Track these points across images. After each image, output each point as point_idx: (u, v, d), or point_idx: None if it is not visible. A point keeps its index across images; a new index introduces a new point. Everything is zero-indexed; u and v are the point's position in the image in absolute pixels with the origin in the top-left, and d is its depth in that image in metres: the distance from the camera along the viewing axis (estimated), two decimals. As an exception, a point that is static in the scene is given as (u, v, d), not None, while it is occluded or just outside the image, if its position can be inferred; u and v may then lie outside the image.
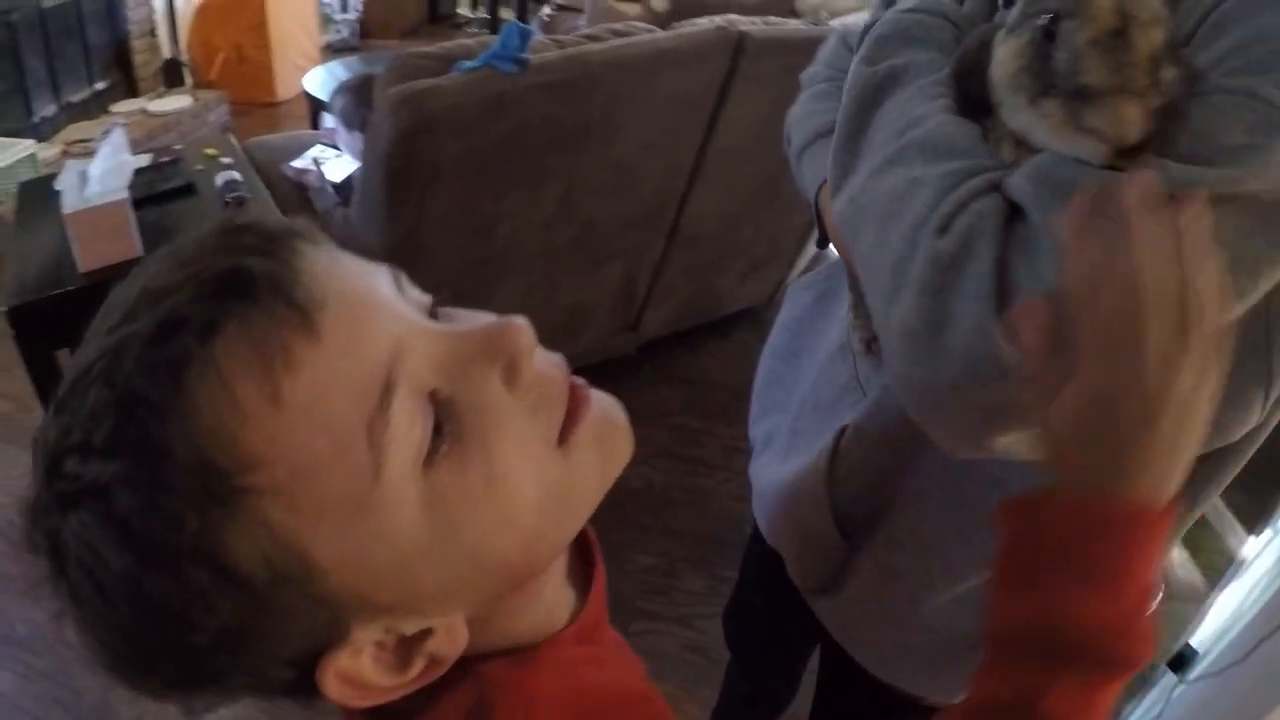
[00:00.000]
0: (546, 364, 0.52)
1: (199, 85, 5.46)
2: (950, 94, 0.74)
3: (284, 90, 5.85)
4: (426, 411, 0.45)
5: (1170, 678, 1.98)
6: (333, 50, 6.71)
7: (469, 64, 2.19)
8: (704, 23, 2.54)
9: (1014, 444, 0.68)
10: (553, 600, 0.60)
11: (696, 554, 2.63)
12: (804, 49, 0.87)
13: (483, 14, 7.78)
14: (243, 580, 0.42)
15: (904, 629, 1.03)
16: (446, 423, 0.46)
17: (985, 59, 0.71)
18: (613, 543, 2.64)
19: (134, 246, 2.33)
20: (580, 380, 0.54)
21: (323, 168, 2.97)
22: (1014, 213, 0.65)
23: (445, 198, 2.32)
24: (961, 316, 0.64)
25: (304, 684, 0.47)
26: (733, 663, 1.67)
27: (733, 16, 2.58)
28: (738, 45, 2.52)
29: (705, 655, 2.31)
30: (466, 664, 0.52)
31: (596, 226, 2.72)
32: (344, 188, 2.84)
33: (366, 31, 7.14)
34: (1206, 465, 0.81)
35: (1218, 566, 2.59)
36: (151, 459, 0.40)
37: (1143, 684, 2.20)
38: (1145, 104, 0.61)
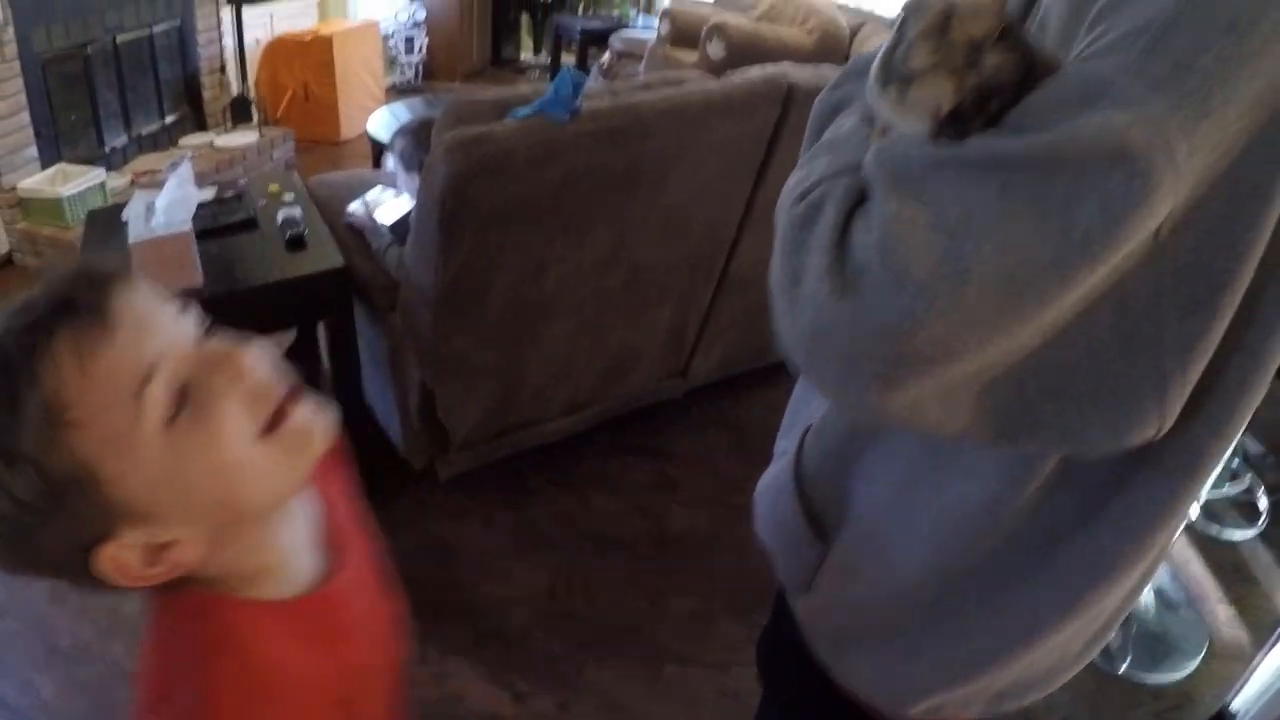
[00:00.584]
0: (271, 377, 0.76)
1: (266, 122, 5.60)
2: None
3: (348, 129, 6.00)
4: (173, 392, 0.69)
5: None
6: (397, 91, 6.86)
7: (523, 111, 2.24)
8: (754, 73, 2.57)
9: (898, 410, 0.71)
10: (288, 553, 0.84)
11: (736, 601, 2.62)
12: (852, 100, 0.92)
13: (544, 59, 7.92)
14: (55, 479, 0.66)
15: (857, 627, 1.05)
16: (189, 401, 0.70)
17: None
18: (653, 586, 2.68)
19: (195, 277, 2.40)
20: (303, 396, 0.77)
21: (375, 211, 3.02)
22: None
23: (497, 240, 2.36)
24: (809, 268, 0.71)
25: (90, 568, 0.71)
26: (764, 695, 1.67)
27: (786, 65, 2.62)
28: (787, 95, 2.55)
29: (738, 700, 2.30)
30: (208, 604, 0.77)
31: (646, 271, 2.75)
32: (399, 227, 2.88)
33: (430, 73, 7.29)
34: (1134, 490, 0.79)
35: (1266, 625, 2.55)
36: (13, 405, 0.64)
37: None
38: (958, 79, 0.67)
